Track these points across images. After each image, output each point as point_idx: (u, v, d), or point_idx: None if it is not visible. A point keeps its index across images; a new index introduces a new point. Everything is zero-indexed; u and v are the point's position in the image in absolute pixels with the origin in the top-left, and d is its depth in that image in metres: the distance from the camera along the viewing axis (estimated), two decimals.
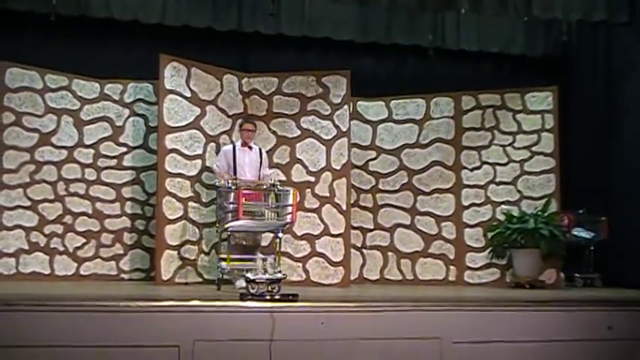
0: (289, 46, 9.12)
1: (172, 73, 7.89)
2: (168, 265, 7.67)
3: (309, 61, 8.96)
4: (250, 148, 7.62)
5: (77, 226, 8.20)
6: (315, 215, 8.13)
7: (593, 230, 8.35)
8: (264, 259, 6.09)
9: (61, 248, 8.10)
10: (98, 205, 8.28)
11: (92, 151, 8.32)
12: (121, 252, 8.30)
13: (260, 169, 7.59)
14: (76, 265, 8.17)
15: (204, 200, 7.99)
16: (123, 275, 8.28)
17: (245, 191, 6.82)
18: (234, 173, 7.30)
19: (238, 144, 7.57)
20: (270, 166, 7.99)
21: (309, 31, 9.00)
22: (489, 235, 8.30)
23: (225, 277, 7.03)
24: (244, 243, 7.41)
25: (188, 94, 8.00)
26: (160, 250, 7.63)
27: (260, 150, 7.67)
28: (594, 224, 8.34)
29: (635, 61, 8.35)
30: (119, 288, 7.13)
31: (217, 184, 7.25)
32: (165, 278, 7.58)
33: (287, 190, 7.01)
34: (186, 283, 7.67)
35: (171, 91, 7.89)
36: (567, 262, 8.24)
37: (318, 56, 9.24)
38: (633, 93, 8.46)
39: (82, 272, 8.17)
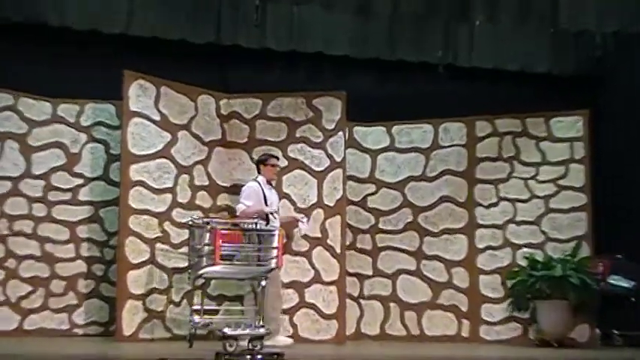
0: (275, 62, 9.11)
1: (138, 93, 7.85)
2: (131, 317, 7.55)
3: (298, 80, 9.03)
4: (272, 186, 7.66)
5: (22, 271, 8.04)
6: (305, 259, 8.11)
7: (633, 278, 8.19)
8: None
9: (2, 298, 7.91)
10: (48, 246, 8.13)
11: (42, 182, 8.18)
12: (75, 302, 8.14)
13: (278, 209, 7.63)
14: (19, 318, 7.99)
15: (174, 241, 7.88)
16: (76, 330, 8.11)
17: (223, 231, 6.65)
18: (267, 217, 7.28)
19: (261, 182, 7.53)
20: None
21: (299, 45, 8.99)
22: (509, 283, 8.29)
23: (199, 331, 6.82)
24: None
25: (157, 117, 7.95)
26: (121, 300, 7.52)
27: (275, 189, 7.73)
28: (635, 271, 8.18)
29: None
30: (72, 345, 7.11)
31: (245, 225, 6.94)
32: (127, 333, 7.48)
33: (271, 230, 6.87)
34: (152, 340, 7.59)
35: (137, 114, 7.84)
36: (603, 317, 8.19)
37: (309, 74, 9.27)
38: None
39: (26, 327, 8.01)
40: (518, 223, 8.62)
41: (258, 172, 7.65)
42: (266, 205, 7.41)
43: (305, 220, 7.69)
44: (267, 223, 7.15)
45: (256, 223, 6.97)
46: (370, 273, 8.72)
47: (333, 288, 8.05)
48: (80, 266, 8.19)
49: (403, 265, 8.71)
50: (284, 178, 8.15)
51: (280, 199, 7.91)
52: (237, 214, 7.45)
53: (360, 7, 8.58)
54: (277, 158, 7.79)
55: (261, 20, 8.55)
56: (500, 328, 8.46)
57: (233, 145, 8.30)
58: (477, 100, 9.12)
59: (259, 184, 7.53)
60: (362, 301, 8.67)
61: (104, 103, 8.37)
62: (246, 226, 6.99)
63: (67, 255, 8.18)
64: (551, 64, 9.43)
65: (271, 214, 7.29)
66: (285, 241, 7.25)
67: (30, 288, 8.06)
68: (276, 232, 6.82)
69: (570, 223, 8.49)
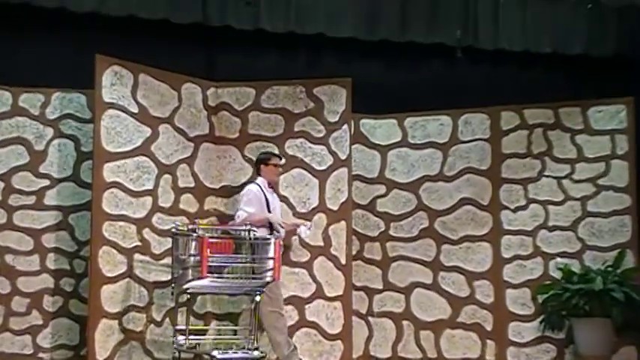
0: (270, 45, 8.79)
1: (113, 81, 7.62)
2: (105, 339, 7.32)
3: (296, 67, 8.80)
4: (274, 189, 7.60)
5: None
6: (305, 271, 7.94)
7: None
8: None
9: None
10: (8, 258, 7.81)
11: (1, 184, 7.87)
12: (40, 322, 7.82)
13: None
14: None
15: (155, 252, 7.67)
16: (42, 355, 7.81)
17: (211, 240, 6.66)
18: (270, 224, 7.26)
19: (263, 185, 7.43)
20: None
21: (297, 26, 8.66)
22: (540, 298, 8.11)
23: (184, 355, 6.87)
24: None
25: (134, 109, 7.71)
26: (94, 319, 7.29)
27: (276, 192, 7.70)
28: None
29: None
30: None
31: (237, 233, 7.06)
32: (100, 358, 7.25)
33: (267, 239, 6.84)
34: None
35: (112, 105, 7.59)
36: None
37: (309, 59, 8.98)
38: None
39: None
40: (551, 229, 8.38)
41: (258, 174, 7.54)
42: (269, 211, 7.29)
43: (308, 225, 7.60)
44: (271, 234, 7.02)
45: (249, 231, 6.92)
46: (380, 287, 8.51)
47: (338, 304, 7.90)
48: (46, 280, 7.89)
49: (418, 277, 8.52)
50: (281, 178, 7.91)
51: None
52: (237, 222, 7.30)
53: None
54: (280, 157, 7.69)
55: None
56: (531, 350, 8.24)
57: (222, 141, 8.11)
58: (503, 88, 8.89)
59: (260, 187, 7.41)
60: (371, 319, 8.47)
61: (73, 92, 8.04)
62: (237, 233, 7.02)
63: (31, 268, 7.86)
64: (589, 44, 9.09)
65: (278, 224, 7.22)
66: (282, 251, 7.02)
67: None
68: (272, 241, 6.77)
69: (612, 229, 8.29)
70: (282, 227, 7.22)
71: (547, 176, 8.41)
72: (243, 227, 6.96)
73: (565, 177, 8.38)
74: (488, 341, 8.26)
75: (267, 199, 7.35)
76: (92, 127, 7.60)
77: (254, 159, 7.88)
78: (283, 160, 7.69)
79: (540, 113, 8.46)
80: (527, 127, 8.48)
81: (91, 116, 7.75)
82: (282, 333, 7.15)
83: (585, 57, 9.12)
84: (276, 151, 7.79)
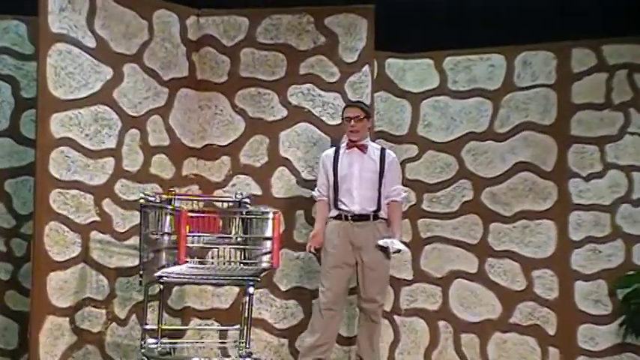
0: None
1: (63, 5, 7.15)
2: (52, 342, 6.93)
3: None
4: (363, 149, 7.13)
5: None
6: (313, 256, 7.53)
7: None
8: None
9: None
10: None
11: None
12: None
13: (381, 186, 7.07)
14: None
15: (118, 229, 7.34)
16: None
17: (191, 214, 6.42)
18: (335, 196, 6.94)
19: (342, 147, 7.21)
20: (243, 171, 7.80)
21: None
22: (621, 293, 7.61)
23: None
24: None
25: (91, 44, 7.27)
26: (38, 316, 6.89)
27: (383, 152, 7.18)
28: None
29: None
30: None
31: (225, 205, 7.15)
32: None
33: (264, 213, 6.54)
34: None
35: (61, 37, 7.13)
36: None
37: None
38: None
39: None
40: (635, 203, 7.78)
41: None
42: (335, 179, 6.97)
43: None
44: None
45: (241, 202, 6.79)
46: (409, 277, 8.08)
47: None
48: None
49: (459, 265, 8.07)
50: (282, 135, 7.68)
51: (237, 165, 7.60)
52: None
53: None
54: (356, 107, 7.23)
55: None
56: None
57: (206, 87, 7.84)
58: (573, 16, 8.14)
59: (337, 149, 7.21)
60: (397, 319, 8.06)
61: (9, 19, 7.61)
62: (225, 206, 7.09)
63: None
64: None
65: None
66: (283, 229, 7.05)
67: None
68: (271, 216, 6.46)
69: None
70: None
71: (632, 133, 7.86)
72: (231, 198, 6.92)
73: None
74: (551, 348, 7.82)
75: (335, 167, 7.07)
76: (35, 66, 7.17)
77: (247, 110, 7.72)
78: (358, 111, 7.23)
79: (625, 50, 7.91)
80: (606, 68, 7.93)
81: (34, 51, 7.41)
82: (312, 334, 6.85)
83: None
84: (354, 102, 7.49)
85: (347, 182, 7.08)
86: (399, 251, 7.19)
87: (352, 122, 7.15)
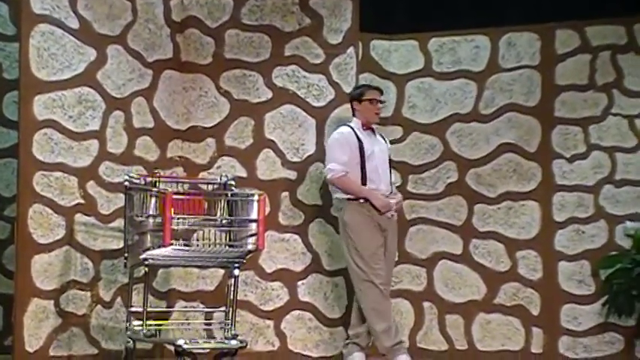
0: None
1: None
2: (37, 325, 6.96)
3: None
4: (374, 131, 7.34)
5: None
6: (298, 238, 7.72)
7: None
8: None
9: None
10: None
11: None
12: None
13: (390, 170, 7.40)
14: None
15: (102, 211, 7.33)
16: None
17: (176, 196, 6.36)
18: (363, 175, 7.03)
19: (357, 127, 7.23)
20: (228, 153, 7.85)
21: None
22: (603, 274, 7.68)
23: (141, 345, 6.79)
24: None
25: (74, 25, 7.27)
26: (22, 299, 6.92)
27: (382, 135, 7.44)
28: None
29: None
30: None
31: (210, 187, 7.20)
32: (31, 349, 6.89)
33: (249, 195, 6.55)
34: (69, 358, 7.11)
35: (44, 18, 7.13)
36: None
37: None
38: None
39: None
40: (619, 184, 7.88)
41: (353, 115, 7.44)
42: (362, 160, 7.04)
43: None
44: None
45: (226, 184, 6.80)
46: (395, 258, 7.84)
47: (340, 280, 7.59)
48: None
49: (443, 246, 8.15)
50: (267, 117, 7.71)
51: (223, 147, 7.66)
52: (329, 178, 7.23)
53: None
54: (379, 90, 7.38)
55: None
56: (590, 340, 7.80)
57: (190, 68, 7.82)
58: None
59: (353, 129, 7.23)
60: None
61: None
62: (210, 188, 7.06)
63: None
64: None
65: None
66: (268, 210, 7.08)
67: None
68: (256, 198, 6.49)
69: None
70: (392, 199, 6.98)
71: (615, 114, 7.92)
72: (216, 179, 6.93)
73: (638, 116, 7.90)
74: (535, 329, 7.89)
75: (361, 145, 7.12)
76: (17, 47, 7.16)
77: (232, 91, 7.73)
78: (382, 97, 7.43)
79: (608, 31, 7.96)
80: (590, 50, 7.99)
81: (16, 32, 7.44)
82: (383, 319, 6.91)
83: None
84: (375, 85, 7.55)
85: (374, 161, 7.15)
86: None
87: (379, 105, 7.29)
